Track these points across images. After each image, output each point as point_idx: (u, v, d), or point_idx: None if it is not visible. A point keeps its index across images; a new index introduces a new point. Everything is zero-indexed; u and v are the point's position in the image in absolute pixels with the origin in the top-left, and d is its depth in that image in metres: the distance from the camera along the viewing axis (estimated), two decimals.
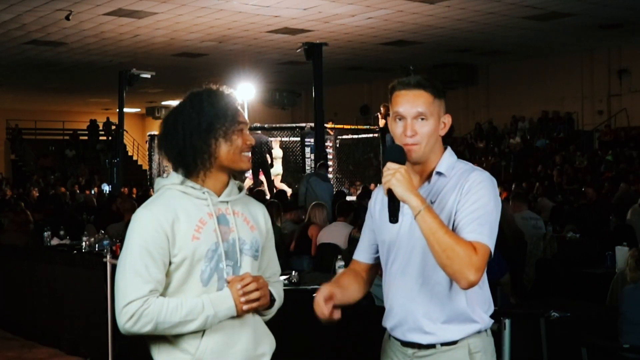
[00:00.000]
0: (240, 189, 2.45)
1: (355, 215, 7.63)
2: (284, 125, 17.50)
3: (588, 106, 20.47)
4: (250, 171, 13.67)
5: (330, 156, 15.37)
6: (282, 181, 15.69)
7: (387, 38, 16.75)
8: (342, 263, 5.43)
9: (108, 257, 6.01)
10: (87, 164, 26.53)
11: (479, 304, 2.33)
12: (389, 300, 2.42)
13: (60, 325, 7.01)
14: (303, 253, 7.35)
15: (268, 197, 11.91)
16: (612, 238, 7.31)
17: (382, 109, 15.84)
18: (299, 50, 13.84)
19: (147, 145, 18.96)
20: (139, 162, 28.37)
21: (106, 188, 19.66)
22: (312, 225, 7.81)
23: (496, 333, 2.48)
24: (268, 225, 2.51)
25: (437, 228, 2.13)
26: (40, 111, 28.68)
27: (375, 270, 2.56)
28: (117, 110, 17.55)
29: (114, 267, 5.50)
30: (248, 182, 14.13)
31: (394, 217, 2.22)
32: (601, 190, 13.39)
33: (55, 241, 7.95)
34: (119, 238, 6.85)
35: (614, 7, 14.21)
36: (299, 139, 15.88)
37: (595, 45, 18.87)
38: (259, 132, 15.14)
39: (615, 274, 5.76)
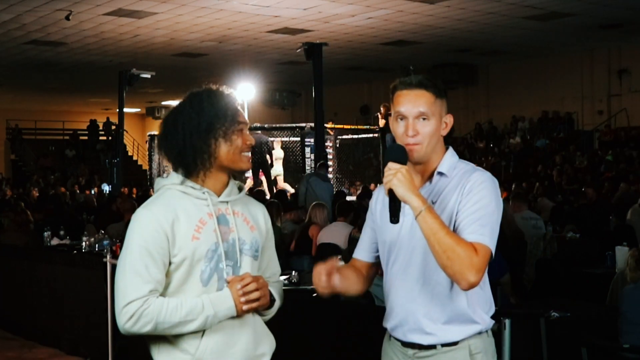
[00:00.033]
0: (240, 189, 2.45)
1: (355, 215, 7.63)
2: (284, 125, 17.51)
3: (588, 106, 20.47)
4: (250, 171, 13.68)
5: (330, 156, 15.38)
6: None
7: (387, 38, 16.75)
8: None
9: (108, 257, 6.01)
10: (87, 164, 26.53)
11: (479, 305, 2.32)
12: (389, 300, 2.42)
13: (60, 325, 7.00)
14: (303, 253, 7.35)
15: (268, 197, 11.91)
16: (612, 238, 7.32)
17: (382, 109, 15.85)
18: (299, 50, 13.84)
19: (147, 145, 18.97)
20: (139, 162, 28.37)
21: (106, 188, 19.66)
22: (312, 225, 7.81)
23: (496, 333, 2.47)
24: (268, 225, 2.51)
25: (438, 229, 2.12)
26: (40, 111, 28.68)
27: (375, 269, 2.56)
28: (117, 110, 17.55)
29: (114, 267, 5.50)
30: (249, 182, 14.13)
31: (395, 217, 2.22)
32: (601, 190, 13.39)
33: (55, 241, 7.96)
34: (119, 238, 6.85)
35: (614, 7, 14.21)
36: (299, 139, 15.89)
37: (595, 45, 18.87)
38: (259, 132, 15.14)
39: (615, 274, 5.76)
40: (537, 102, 20.83)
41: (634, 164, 16.53)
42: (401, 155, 2.24)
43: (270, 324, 2.47)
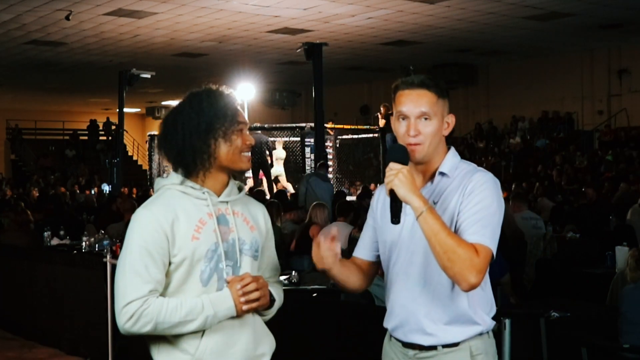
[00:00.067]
0: (240, 189, 2.45)
1: (355, 215, 7.63)
2: (284, 125, 17.51)
3: (588, 106, 20.47)
4: (250, 171, 13.69)
5: (330, 156, 15.37)
6: None
7: (387, 38, 16.75)
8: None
9: (108, 257, 6.01)
10: (87, 164, 26.54)
11: (480, 306, 2.32)
12: (390, 300, 2.41)
13: (60, 325, 7.00)
14: (303, 253, 7.34)
15: (268, 197, 11.91)
16: (612, 238, 7.31)
17: (382, 108, 15.86)
18: (299, 50, 13.84)
19: (147, 145, 18.97)
20: (139, 162, 28.37)
21: (106, 188, 19.67)
22: (313, 225, 7.80)
23: (496, 333, 2.47)
24: (268, 225, 2.50)
25: (439, 229, 2.12)
26: (40, 111, 28.68)
27: (375, 267, 2.54)
28: (117, 110, 17.55)
29: (114, 267, 5.50)
30: (250, 183, 14.13)
31: (396, 217, 2.21)
32: (601, 190, 13.38)
33: (55, 241, 7.96)
34: (119, 238, 6.86)
35: (614, 7, 14.20)
36: (299, 139, 15.89)
37: (595, 45, 18.87)
38: (259, 132, 15.14)
39: (615, 274, 5.76)
40: (537, 102, 20.83)
41: (634, 164, 16.53)
42: (403, 155, 2.24)
43: (270, 324, 2.46)
